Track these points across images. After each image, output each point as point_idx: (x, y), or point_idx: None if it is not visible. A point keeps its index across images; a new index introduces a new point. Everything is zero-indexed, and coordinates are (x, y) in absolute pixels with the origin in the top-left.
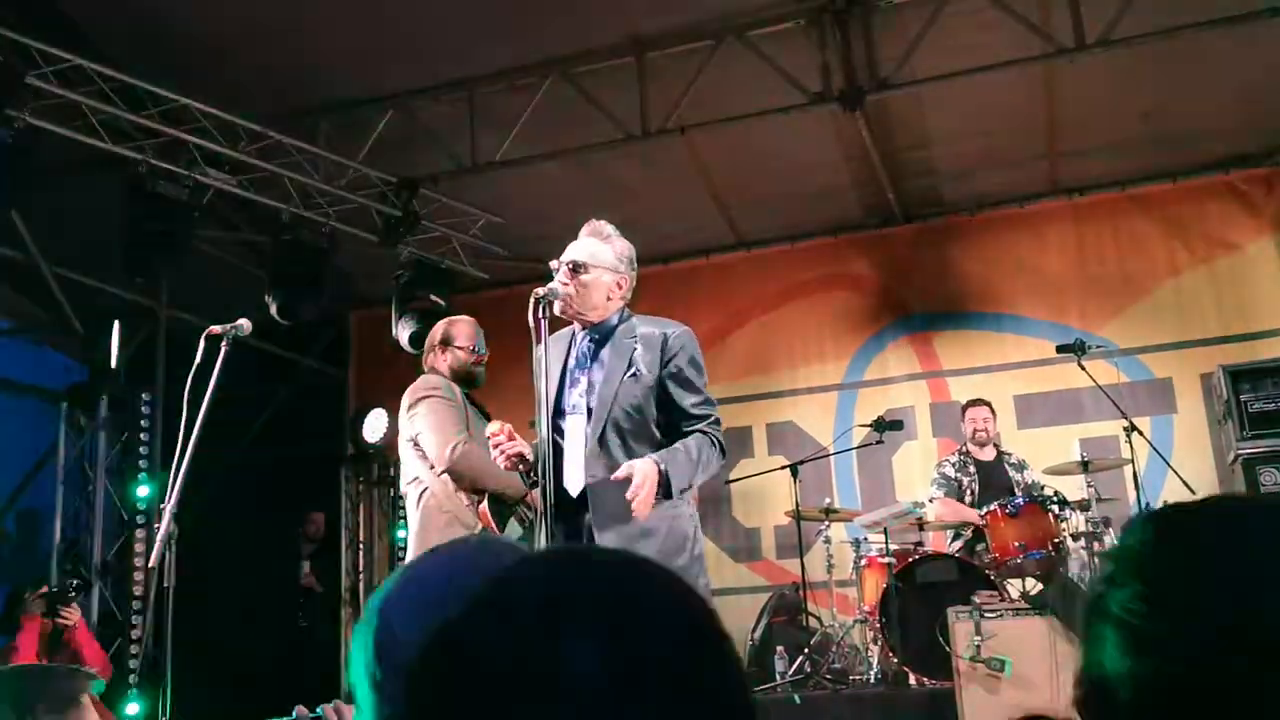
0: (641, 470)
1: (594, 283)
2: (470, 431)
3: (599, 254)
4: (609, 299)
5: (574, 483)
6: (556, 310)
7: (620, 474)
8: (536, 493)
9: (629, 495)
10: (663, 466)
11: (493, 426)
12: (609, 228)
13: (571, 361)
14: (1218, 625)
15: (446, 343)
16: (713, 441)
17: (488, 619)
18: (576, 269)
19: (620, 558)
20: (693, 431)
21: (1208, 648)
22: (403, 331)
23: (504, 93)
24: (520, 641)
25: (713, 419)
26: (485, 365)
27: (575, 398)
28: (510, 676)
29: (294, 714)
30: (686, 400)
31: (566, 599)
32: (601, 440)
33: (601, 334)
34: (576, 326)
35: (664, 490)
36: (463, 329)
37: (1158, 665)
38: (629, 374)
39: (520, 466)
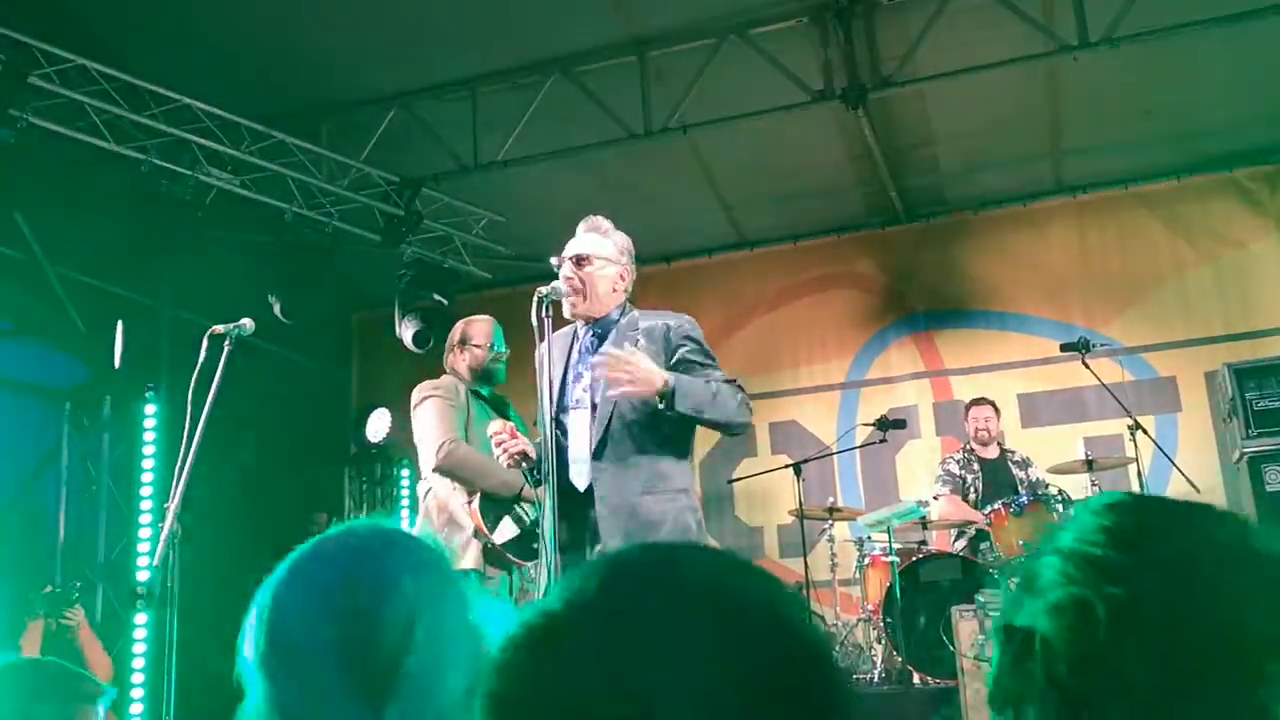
0: (645, 364)
1: (598, 275)
2: (471, 431)
3: (600, 247)
4: (614, 291)
5: (579, 478)
6: (565, 311)
7: (623, 352)
8: (535, 489)
9: (620, 359)
10: (670, 379)
11: (494, 425)
12: (606, 222)
13: (574, 357)
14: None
15: (464, 342)
16: (736, 390)
17: (592, 612)
18: (580, 262)
19: (724, 556)
20: None
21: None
22: (405, 331)
23: (506, 92)
24: (624, 641)
25: (733, 381)
26: (505, 362)
27: (579, 393)
28: (607, 675)
29: None
30: (697, 374)
31: (675, 599)
32: (607, 433)
33: (604, 328)
34: (579, 323)
35: (668, 402)
36: (480, 327)
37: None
38: None
39: (523, 464)
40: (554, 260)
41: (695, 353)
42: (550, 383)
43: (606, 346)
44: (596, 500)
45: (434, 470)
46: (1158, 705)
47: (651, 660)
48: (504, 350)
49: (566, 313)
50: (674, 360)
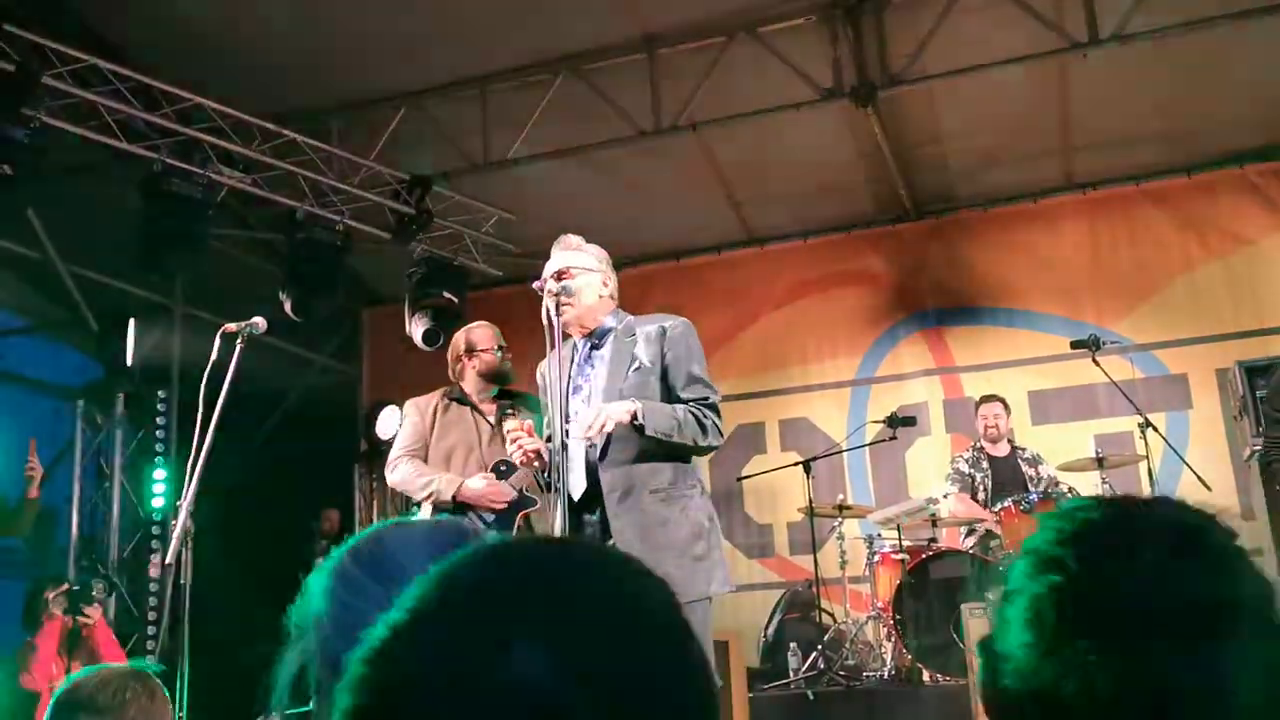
0: (600, 408)
1: (582, 284)
2: (441, 438)
3: (577, 258)
4: (600, 298)
5: (576, 487)
6: (558, 326)
7: (586, 417)
8: (546, 492)
9: (586, 426)
10: (636, 404)
11: (511, 424)
12: (576, 238)
13: (574, 369)
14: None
15: (471, 350)
16: (698, 414)
17: (429, 626)
18: (561, 276)
19: (563, 549)
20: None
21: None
22: (415, 328)
23: (516, 90)
24: (462, 650)
25: (706, 400)
26: (511, 358)
27: (577, 404)
28: (451, 688)
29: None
30: (681, 384)
31: (512, 601)
32: (609, 439)
33: (600, 338)
34: (576, 337)
35: (640, 429)
36: (481, 333)
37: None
38: (633, 368)
39: (536, 463)
40: (535, 285)
41: (681, 356)
42: (555, 399)
43: (603, 353)
44: (605, 502)
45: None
46: (1108, 682)
47: (493, 663)
48: (506, 345)
49: (559, 328)
50: (664, 362)
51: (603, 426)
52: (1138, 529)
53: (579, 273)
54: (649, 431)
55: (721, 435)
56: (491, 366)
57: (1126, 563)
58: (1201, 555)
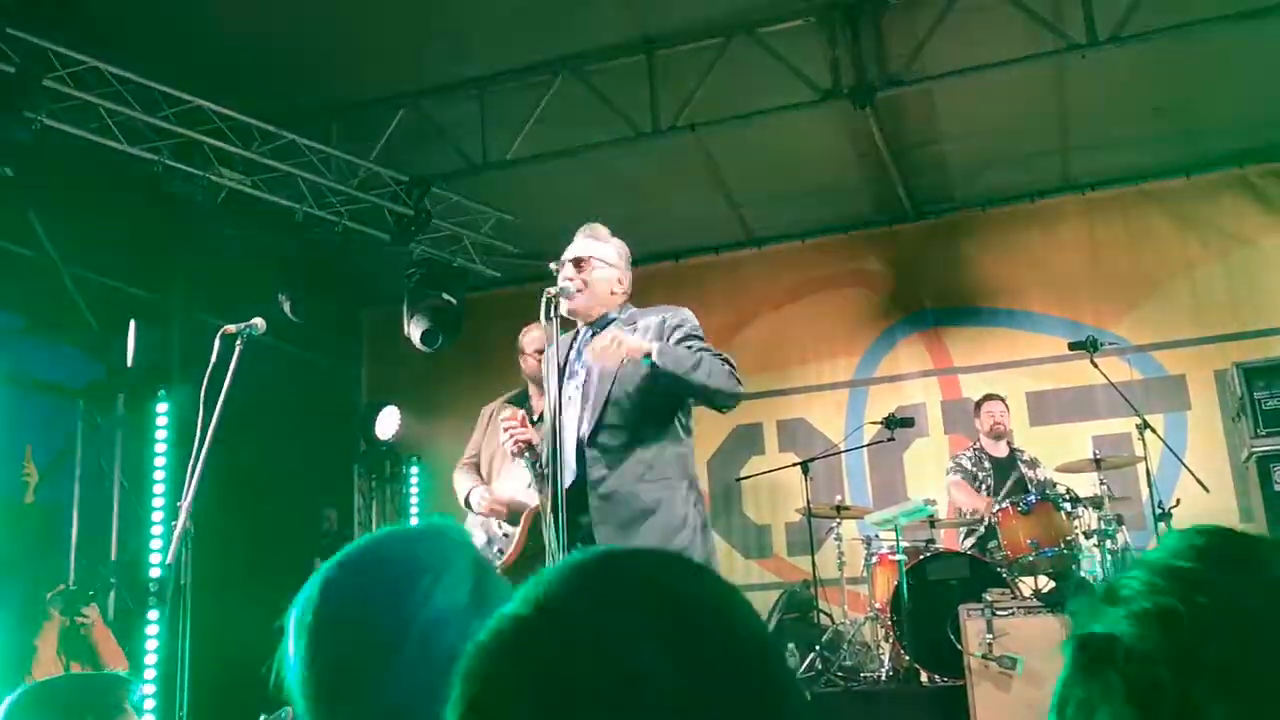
0: (631, 340)
1: (597, 277)
2: (488, 446)
3: (598, 250)
4: (612, 293)
5: (568, 473)
6: (563, 309)
7: (598, 341)
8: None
9: (607, 339)
10: (655, 345)
11: (506, 411)
12: (603, 229)
13: (572, 355)
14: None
15: (521, 352)
16: (721, 360)
17: (556, 621)
18: (579, 264)
19: (668, 559)
20: None
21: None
22: (414, 330)
23: (515, 91)
24: (590, 644)
25: (720, 354)
26: (527, 359)
27: (571, 390)
28: (577, 680)
29: (284, 712)
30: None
31: (636, 603)
32: (600, 424)
33: (601, 327)
34: (581, 325)
35: (652, 363)
36: (524, 337)
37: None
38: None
39: (527, 454)
40: (552, 265)
41: (687, 335)
42: (549, 383)
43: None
44: (589, 488)
45: None
46: (1242, 703)
47: (618, 661)
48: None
49: (564, 310)
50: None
51: (614, 352)
52: None
53: (598, 264)
54: (659, 363)
55: (740, 387)
56: (532, 370)
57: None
58: None
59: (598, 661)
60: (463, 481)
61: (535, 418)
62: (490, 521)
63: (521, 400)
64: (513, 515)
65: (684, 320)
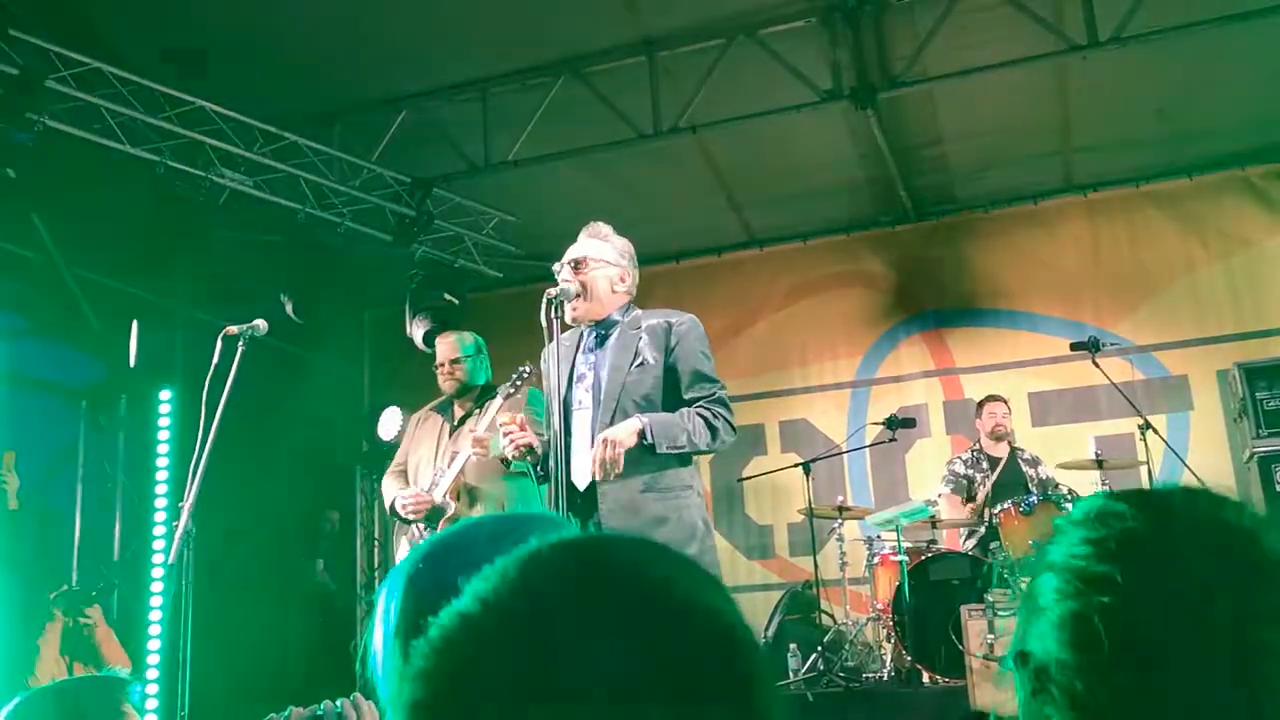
0: (609, 432)
1: (597, 277)
2: (414, 452)
3: (599, 250)
4: (613, 292)
5: (581, 477)
6: (567, 316)
7: (595, 453)
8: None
9: (598, 459)
10: (645, 421)
11: (504, 417)
12: (606, 228)
13: (578, 358)
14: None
15: (439, 366)
16: (707, 416)
17: (506, 617)
18: (579, 266)
19: (644, 544)
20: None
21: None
22: (416, 331)
23: (516, 92)
24: (543, 640)
25: (713, 396)
26: (439, 371)
27: (581, 393)
28: (529, 678)
29: (288, 713)
30: (687, 382)
31: (594, 592)
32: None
33: (606, 329)
34: (584, 325)
35: (650, 447)
36: (438, 348)
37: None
38: (636, 364)
39: (528, 458)
40: (554, 267)
41: (690, 353)
42: (556, 385)
43: (609, 345)
44: (599, 497)
45: None
46: (1170, 699)
47: (571, 654)
48: (440, 361)
49: (568, 317)
50: (670, 357)
51: (616, 460)
52: (1182, 537)
53: (597, 265)
54: (661, 449)
55: (733, 430)
56: (442, 382)
57: (1183, 583)
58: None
59: (550, 658)
60: (389, 489)
61: (455, 424)
62: (412, 529)
63: (445, 408)
64: (431, 515)
65: (688, 332)
